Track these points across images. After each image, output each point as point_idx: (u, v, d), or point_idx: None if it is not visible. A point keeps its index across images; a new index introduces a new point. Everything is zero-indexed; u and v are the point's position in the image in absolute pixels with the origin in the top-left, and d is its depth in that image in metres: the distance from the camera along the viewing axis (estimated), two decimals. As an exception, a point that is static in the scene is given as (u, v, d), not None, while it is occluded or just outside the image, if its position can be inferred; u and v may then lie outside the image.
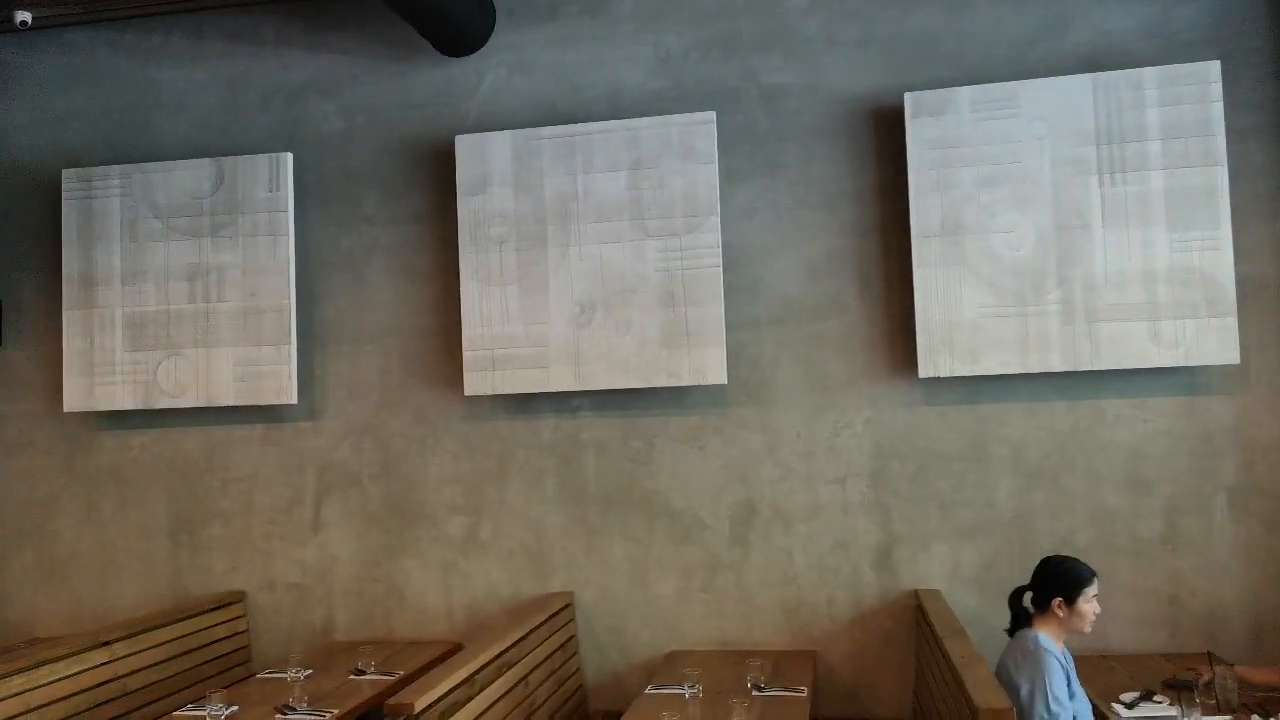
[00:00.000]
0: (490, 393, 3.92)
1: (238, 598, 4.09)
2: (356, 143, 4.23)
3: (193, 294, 4.12)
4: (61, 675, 3.17)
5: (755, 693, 3.08)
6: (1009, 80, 3.70)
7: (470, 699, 2.78)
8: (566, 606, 3.78)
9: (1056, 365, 3.55)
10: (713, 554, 3.82)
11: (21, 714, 3.00)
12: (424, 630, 4.00)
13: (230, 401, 4.08)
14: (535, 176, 3.96)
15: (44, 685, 3.11)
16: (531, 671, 3.29)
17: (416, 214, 4.16)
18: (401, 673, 3.45)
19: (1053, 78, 3.65)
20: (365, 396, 4.14)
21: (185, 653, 3.75)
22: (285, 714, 3.00)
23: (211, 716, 2.98)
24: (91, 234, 4.19)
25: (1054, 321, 3.56)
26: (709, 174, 3.83)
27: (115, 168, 4.20)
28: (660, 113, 3.94)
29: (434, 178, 4.15)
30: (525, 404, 4.01)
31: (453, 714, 2.65)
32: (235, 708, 3.06)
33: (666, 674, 3.37)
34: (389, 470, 4.09)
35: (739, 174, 3.92)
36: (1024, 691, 2.59)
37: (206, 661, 3.85)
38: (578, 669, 3.80)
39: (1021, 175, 3.64)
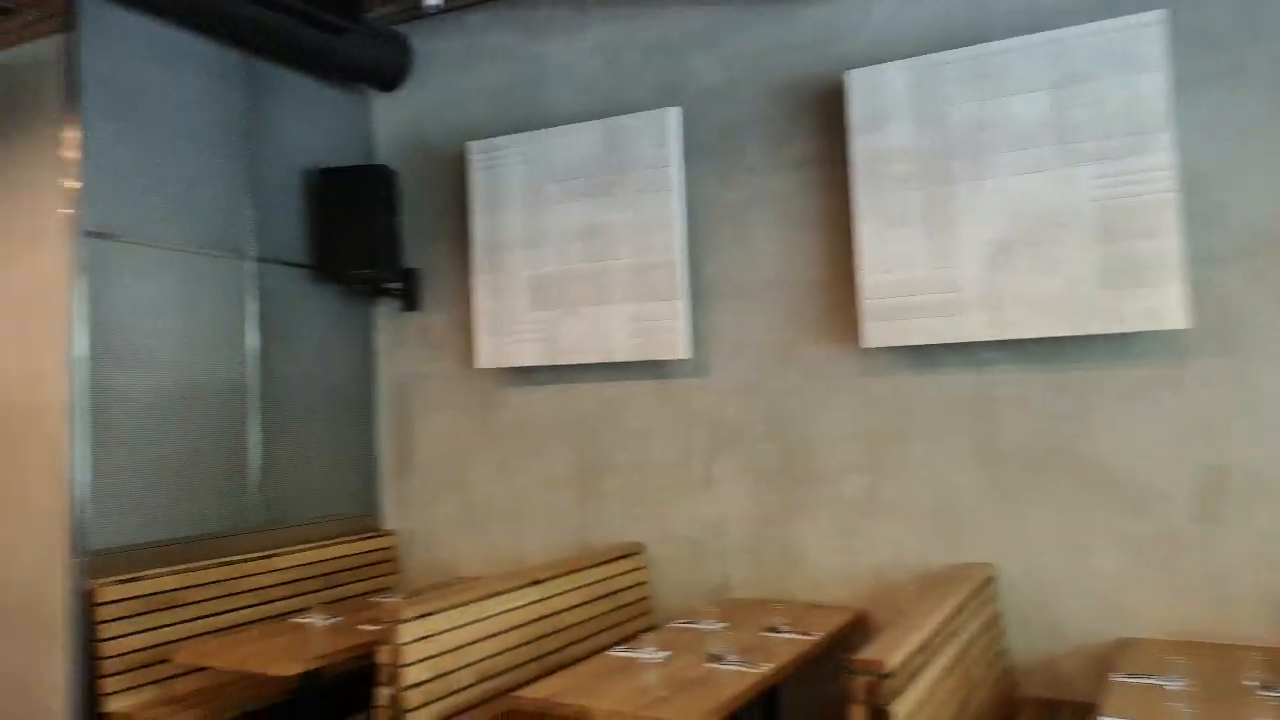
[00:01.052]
0: (892, 344, 3.65)
1: (638, 549, 4.19)
2: (738, 92, 4.11)
3: (587, 254, 4.24)
4: (507, 607, 3.40)
5: (1264, 694, 2.56)
6: None
7: (924, 666, 2.55)
8: (989, 580, 3.44)
9: None
10: (1169, 529, 3.28)
11: (481, 639, 3.26)
12: (823, 594, 3.85)
13: (624, 357, 4.16)
14: (939, 106, 3.60)
15: (495, 615, 3.34)
16: (968, 646, 3.01)
17: (801, 160, 3.97)
18: (818, 634, 3.32)
19: None
20: (753, 352, 4.05)
21: (598, 598, 3.89)
22: (719, 663, 2.96)
23: (646, 659, 3.03)
24: (496, 201, 4.45)
25: None
26: (1156, 85, 3.26)
27: (515, 137, 4.42)
28: (1084, 21, 3.41)
29: (820, 120, 3.93)
30: (929, 356, 3.70)
31: (913, 679, 2.44)
32: (669, 653, 3.08)
33: (1127, 663, 2.92)
34: (780, 427, 3.97)
35: (1193, 83, 3.30)
36: None
37: (616, 609, 3.97)
38: (1004, 649, 3.45)
39: None
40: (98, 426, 3.66)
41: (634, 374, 4.29)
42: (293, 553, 4.28)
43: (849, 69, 3.79)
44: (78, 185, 3.68)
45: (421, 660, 3.03)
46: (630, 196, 4.17)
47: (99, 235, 3.73)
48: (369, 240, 4.58)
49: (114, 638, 3.55)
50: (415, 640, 3.02)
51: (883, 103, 3.70)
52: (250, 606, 4.06)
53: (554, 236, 4.32)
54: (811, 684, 3.83)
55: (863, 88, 3.73)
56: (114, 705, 3.51)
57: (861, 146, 3.73)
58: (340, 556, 4.49)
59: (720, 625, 3.45)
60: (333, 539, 4.51)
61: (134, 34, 3.90)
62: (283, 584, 4.22)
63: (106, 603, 3.55)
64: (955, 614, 2.90)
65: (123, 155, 3.84)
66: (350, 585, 4.50)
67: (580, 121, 4.34)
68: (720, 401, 4.11)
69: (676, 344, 4.07)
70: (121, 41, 3.85)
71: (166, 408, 3.92)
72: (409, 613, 3.01)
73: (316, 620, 3.72)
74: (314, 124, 4.68)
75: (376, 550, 4.69)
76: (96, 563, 3.61)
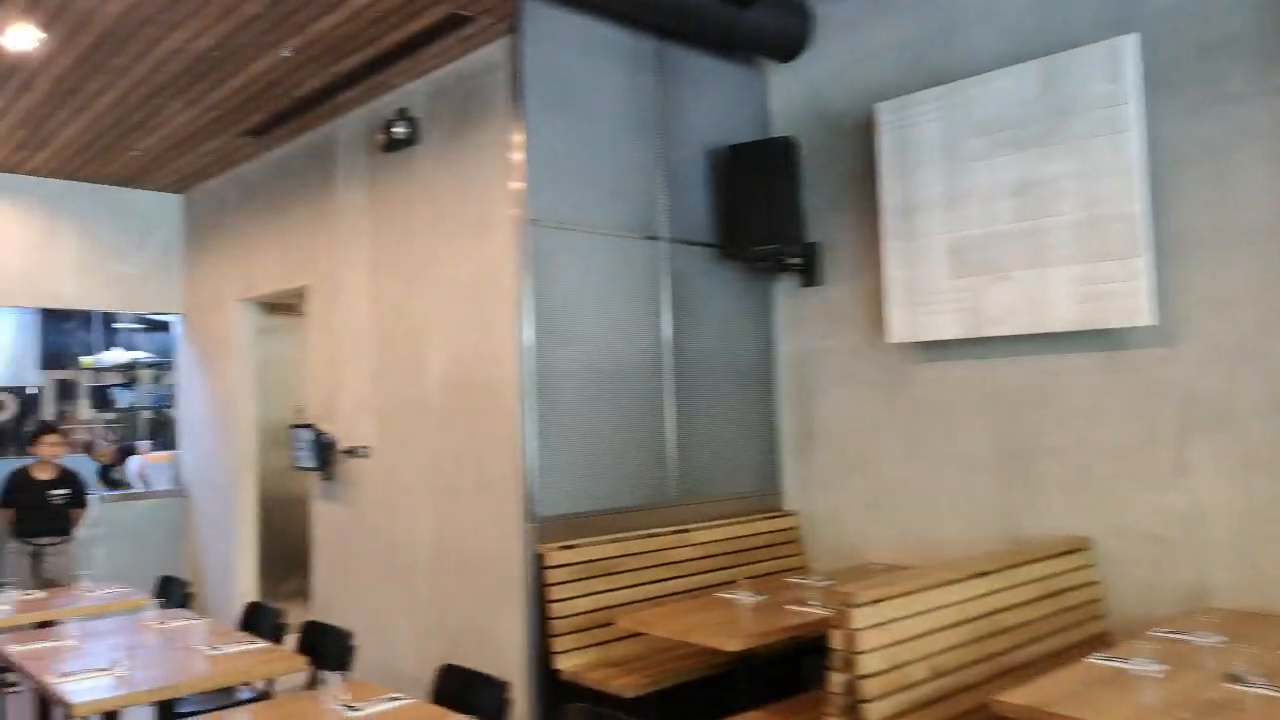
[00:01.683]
0: None
1: (1083, 544, 3.70)
2: (1212, 7, 3.45)
3: (1019, 211, 3.81)
4: (955, 599, 3.12)
5: None
6: None
7: None
8: None
9: None
10: None
11: (931, 632, 2.99)
12: (1351, 611, 3.12)
13: (1066, 326, 3.68)
14: None
15: (943, 607, 3.07)
16: None
17: (1309, 78, 3.24)
18: (1367, 662, 2.66)
19: None
20: (1238, 314, 3.38)
21: (1041, 597, 3.48)
22: (1241, 685, 2.46)
23: (1140, 671, 2.60)
24: (908, 163, 4.15)
25: None
26: None
27: (929, 91, 4.08)
28: None
29: (1338, 25, 3.17)
30: None
31: None
32: (1166, 667, 2.63)
33: None
34: (1278, 404, 3.28)
35: None
36: None
37: (1061, 610, 3.53)
38: None
39: None
40: (543, 402, 3.91)
41: (1075, 345, 3.78)
42: (707, 528, 4.33)
43: (1384, -45, 3.01)
44: (523, 178, 3.94)
45: (875, 649, 2.84)
46: (1074, 143, 3.66)
47: (540, 223, 3.98)
48: (770, 216, 4.48)
49: (561, 600, 3.78)
50: (869, 626, 2.84)
51: None
52: (671, 579, 4.15)
53: (977, 195, 3.93)
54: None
55: None
56: (563, 664, 3.74)
57: None
58: (749, 535, 4.47)
59: (1219, 638, 2.89)
60: (738, 516, 4.50)
61: (565, 30, 4.11)
62: (698, 558, 4.27)
63: (554, 566, 3.79)
64: None
65: (559, 146, 4.06)
66: (756, 564, 4.47)
67: (1007, 65, 3.90)
68: (1195, 374, 3.48)
69: (1138, 308, 3.51)
70: (556, 39, 4.07)
71: (597, 385, 4.10)
72: (863, 597, 2.84)
73: (742, 597, 3.69)
74: (715, 103, 4.69)
75: (781, 530, 4.61)
76: (544, 528, 3.86)
